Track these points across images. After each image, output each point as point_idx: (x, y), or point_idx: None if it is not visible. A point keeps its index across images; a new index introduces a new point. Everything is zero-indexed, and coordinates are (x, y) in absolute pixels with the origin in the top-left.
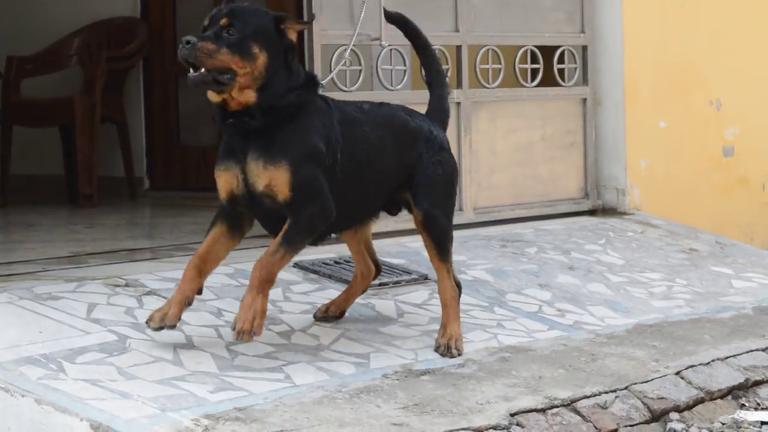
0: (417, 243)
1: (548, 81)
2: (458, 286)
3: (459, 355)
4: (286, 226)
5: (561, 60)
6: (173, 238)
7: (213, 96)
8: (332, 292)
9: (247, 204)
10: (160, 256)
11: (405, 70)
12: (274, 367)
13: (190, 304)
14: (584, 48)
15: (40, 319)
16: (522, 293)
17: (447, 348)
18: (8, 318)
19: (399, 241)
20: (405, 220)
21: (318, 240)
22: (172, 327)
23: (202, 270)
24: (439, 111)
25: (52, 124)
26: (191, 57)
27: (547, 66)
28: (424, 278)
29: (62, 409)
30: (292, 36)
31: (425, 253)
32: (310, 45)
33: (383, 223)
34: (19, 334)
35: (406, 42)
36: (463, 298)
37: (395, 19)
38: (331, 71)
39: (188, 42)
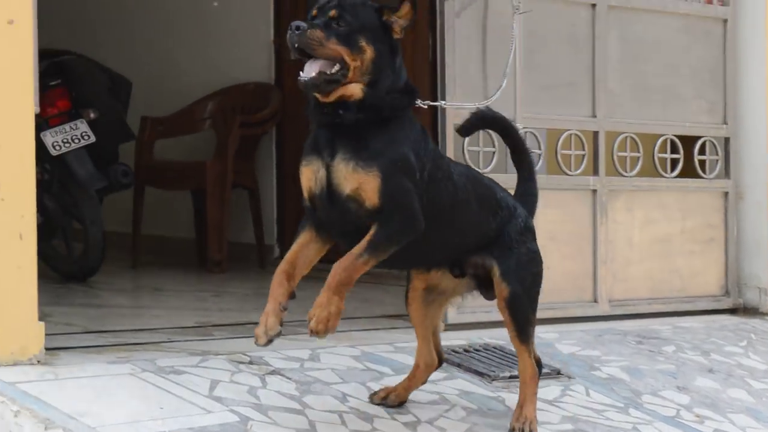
0: (549, 334)
1: (688, 172)
2: (539, 364)
3: None
4: (372, 232)
5: (702, 151)
6: (300, 312)
7: (322, 96)
8: (462, 382)
9: (324, 205)
10: (286, 333)
11: (540, 154)
12: None
13: (285, 309)
14: (726, 140)
15: (161, 394)
16: (659, 395)
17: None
18: (131, 390)
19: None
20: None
21: (400, 264)
22: (279, 334)
23: (291, 275)
24: (528, 195)
25: (183, 188)
26: (301, 43)
27: (687, 156)
28: (557, 373)
29: None
30: (397, 33)
31: (558, 346)
32: (443, 124)
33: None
34: (140, 409)
35: (542, 125)
36: (598, 397)
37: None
38: (463, 152)
39: (298, 27)
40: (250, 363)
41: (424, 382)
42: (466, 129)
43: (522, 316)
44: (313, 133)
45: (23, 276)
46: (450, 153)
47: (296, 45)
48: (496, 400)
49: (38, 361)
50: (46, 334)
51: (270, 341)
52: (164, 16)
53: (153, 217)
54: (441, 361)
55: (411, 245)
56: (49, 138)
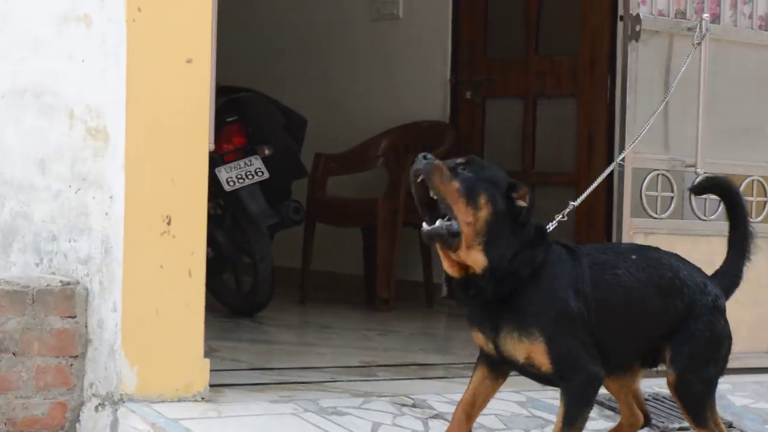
0: (722, 385)
1: None
2: None
3: None
4: (561, 408)
5: None
6: (466, 355)
7: (446, 266)
8: None
9: (503, 365)
10: (451, 375)
11: (720, 200)
12: None
13: None
14: None
15: None
16: None
17: None
18: (292, 431)
19: None
20: None
21: None
22: None
23: (470, 415)
24: (728, 275)
25: (354, 225)
26: (426, 171)
27: None
28: (729, 426)
29: None
30: (522, 203)
31: (731, 397)
32: (622, 167)
33: None
34: None
35: (722, 170)
36: None
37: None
38: (641, 196)
39: (425, 156)
40: (413, 406)
41: None
42: (697, 190)
43: (693, 402)
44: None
45: (191, 313)
46: (627, 197)
47: (418, 173)
48: None
49: (202, 398)
50: (212, 370)
51: None
52: (340, 54)
53: (322, 253)
54: (648, 420)
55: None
56: (223, 174)
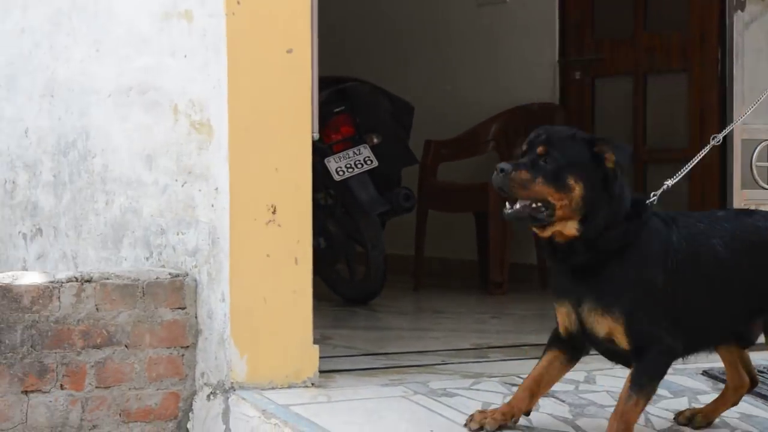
0: None
1: None
2: None
3: None
4: (632, 373)
5: None
6: None
7: (538, 230)
8: (744, 405)
9: (584, 341)
10: None
11: None
12: None
13: (516, 422)
14: None
15: (432, 417)
16: None
17: None
18: (401, 413)
19: None
20: None
21: None
22: None
23: (534, 392)
24: None
25: (466, 210)
26: (504, 186)
27: None
28: None
29: None
30: (609, 163)
31: None
32: (731, 139)
33: None
34: (410, 431)
35: None
36: None
37: None
38: (751, 167)
39: (502, 170)
40: None
41: (735, 404)
42: None
43: None
44: (554, 270)
45: (298, 300)
46: (738, 169)
47: (501, 188)
48: None
49: (312, 384)
50: (324, 357)
51: (479, 430)
52: (447, 38)
53: (436, 240)
54: (755, 383)
55: (692, 336)
56: (333, 164)
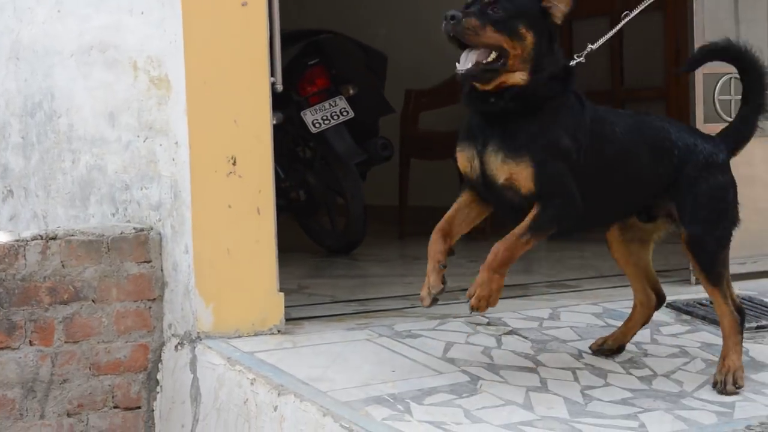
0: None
1: None
2: (740, 311)
3: (737, 390)
4: (533, 212)
5: None
6: (552, 273)
7: (481, 85)
8: (705, 335)
9: (482, 190)
10: (531, 293)
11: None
12: (629, 414)
13: (445, 267)
14: None
15: (395, 358)
16: None
17: (723, 384)
18: (365, 355)
19: None
20: None
21: (565, 233)
22: (442, 291)
23: (448, 233)
24: (732, 131)
25: (447, 157)
26: (456, 32)
27: None
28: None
29: None
30: (557, 18)
31: None
32: (692, 73)
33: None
34: (373, 373)
35: None
36: None
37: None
38: (714, 102)
39: (453, 17)
40: (488, 324)
41: (644, 323)
42: (690, 64)
43: (706, 258)
44: (467, 118)
45: (262, 249)
46: (700, 103)
47: (451, 35)
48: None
49: (278, 331)
50: (298, 305)
51: (435, 300)
52: None
53: (421, 189)
54: (661, 300)
55: (588, 213)
56: (309, 116)
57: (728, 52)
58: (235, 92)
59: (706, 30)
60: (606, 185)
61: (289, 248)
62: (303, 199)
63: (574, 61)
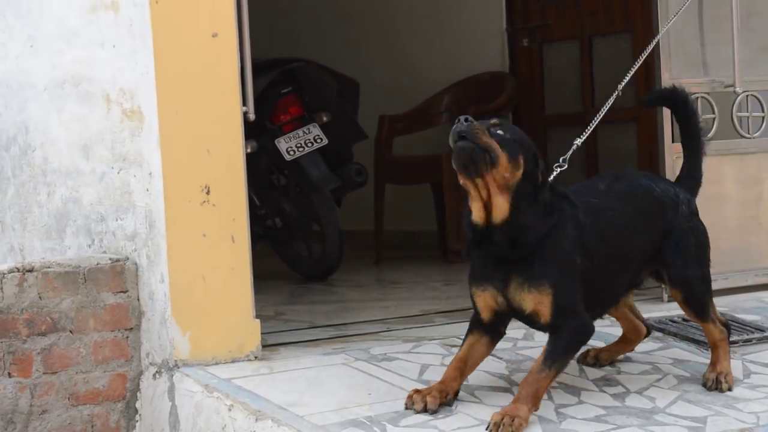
0: None
1: None
2: (726, 326)
3: (729, 389)
4: (547, 347)
5: None
6: None
7: (473, 206)
8: (677, 351)
9: (510, 315)
10: None
11: (763, 117)
12: (603, 431)
13: (450, 403)
14: None
15: (371, 381)
16: None
17: (716, 382)
18: (342, 379)
19: (757, 296)
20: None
21: None
22: (433, 413)
23: (463, 371)
24: (690, 178)
25: (421, 182)
26: (466, 132)
27: None
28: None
29: None
30: (543, 176)
31: None
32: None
33: (741, 277)
34: (349, 396)
35: (764, 88)
36: None
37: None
38: None
39: (466, 119)
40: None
41: (631, 350)
42: (644, 103)
43: (697, 301)
44: (475, 259)
45: (237, 276)
46: (667, 123)
47: (462, 133)
48: None
49: (255, 357)
50: (275, 332)
51: (423, 410)
52: (396, 13)
53: (397, 214)
54: (648, 332)
55: (599, 304)
56: (283, 144)
57: (670, 99)
58: (208, 122)
59: (672, 52)
60: (613, 271)
61: (265, 276)
62: (279, 226)
63: (555, 172)
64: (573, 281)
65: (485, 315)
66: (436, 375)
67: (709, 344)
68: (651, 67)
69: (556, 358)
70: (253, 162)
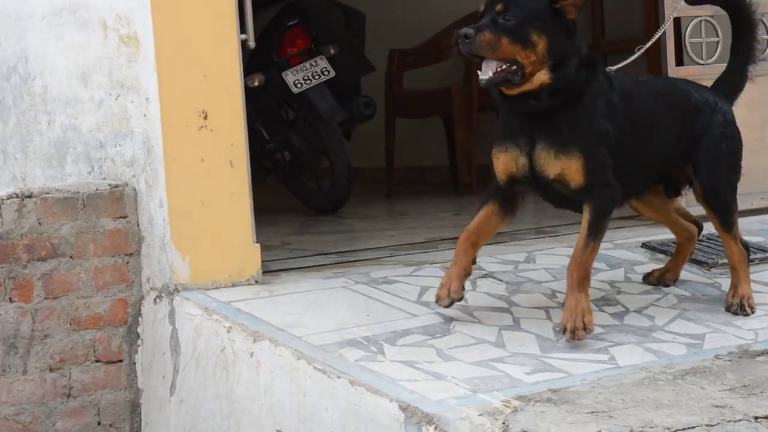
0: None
1: None
2: (746, 247)
3: (753, 312)
4: (586, 219)
5: None
6: (533, 222)
7: (508, 90)
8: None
9: (530, 185)
10: (510, 240)
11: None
12: (600, 348)
13: (469, 274)
14: None
15: (370, 303)
16: None
17: (740, 306)
18: (341, 301)
19: (762, 219)
20: None
21: None
22: (461, 299)
23: (475, 243)
24: (728, 81)
25: (431, 115)
26: (473, 50)
27: None
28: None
29: (374, 390)
30: (571, 14)
31: None
32: (663, 18)
33: (746, 199)
34: (347, 318)
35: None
36: None
37: None
38: (684, 44)
39: (466, 36)
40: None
41: (692, 252)
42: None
43: (722, 208)
44: (503, 119)
45: (236, 201)
46: (670, 46)
47: (471, 53)
48: (712, 286)
49: (255, 282)
50: (276, 260)
51: (451, 304)
52: None
53: (409, 149)
54: (700, 228)
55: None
56: (290, 77)
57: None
58: (204, 47)
59: None
60: (641, 156)
61: (277, 209)
62: (288, 160)
63: (615, 67)
64: (603, 148)
65: (503, 180)
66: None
67: (729, 264)
68: None
69: (597, 229)
70: (261, 96)
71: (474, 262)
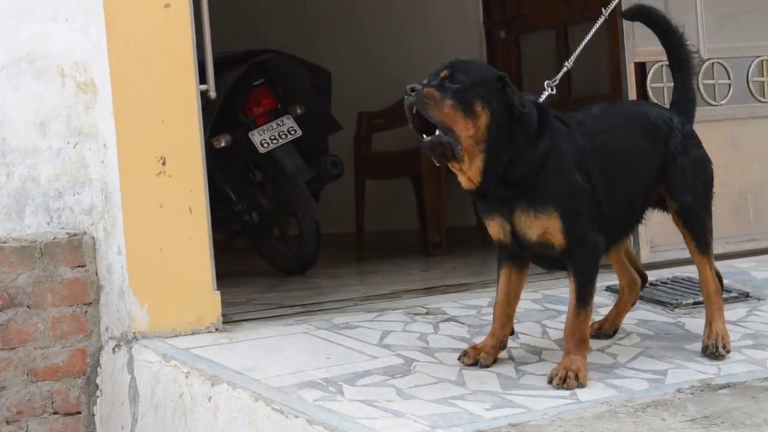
0: (746, 264)
1: None
2: (719, 278)
3: (727, 353)
4: (572, 289)
5: None
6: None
7: (461, 180)
8: (642, 312)
9: (518, 250)
10: (475, 288)
11: (729, 84)
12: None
13: (504, 347)
14: None
15: (330, 346)
16: None
17: (715, 348)
18: (301, 346)
19: (729, 263)
20: (738, 241)
21: None
22: (485, 367)
23: (510, 315)
24: (683, 102)
25: (401, 176)
26: (417, 103)
27: None
28: (745, 296)
29: (332, 428)
30: (515, 100)
31: (754, 273)
32: (623, 64)
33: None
34: (307, 360)
35: (730, 55)
36: None
37: (636, 13)
38: (646, 89)
39: (413, 90)
40: (427, 314)
41: (633, 303)
42: (629, 14)
43: (697, 226)
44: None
45: (196, 248)
46: (632, 92)
47: (413, 108)
48: (676, 325)
49: (216, 329)
50: (238, 312)
51: (474, 364)
52: (376, 12)
53: (380, 214)
54: (644, 279)
55: (609, 231)
56: (257, 137)
57: (650, 17)
58: (162, 93)
59: (635, 30)
60: (617, 195)
61: (249, 272)
62: (256, 221)
63: (545, 95)
64: (578, 201)
65: (498, 245)
66: (397, 340)
67: (702, 296)
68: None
69: (585, 294)
70: (228, 157)
71: (512, 333)
